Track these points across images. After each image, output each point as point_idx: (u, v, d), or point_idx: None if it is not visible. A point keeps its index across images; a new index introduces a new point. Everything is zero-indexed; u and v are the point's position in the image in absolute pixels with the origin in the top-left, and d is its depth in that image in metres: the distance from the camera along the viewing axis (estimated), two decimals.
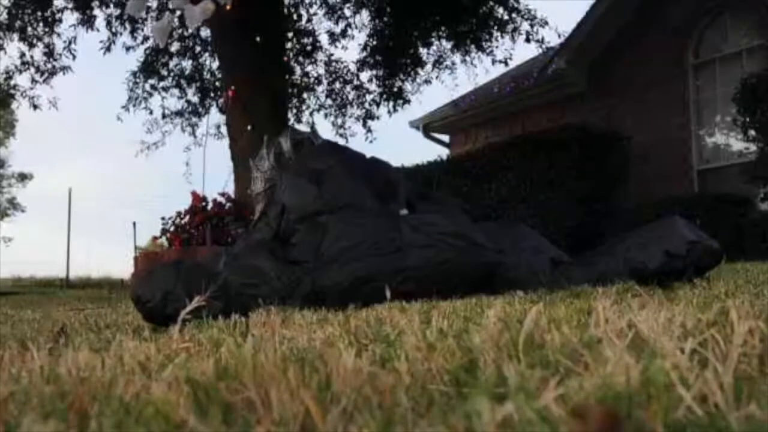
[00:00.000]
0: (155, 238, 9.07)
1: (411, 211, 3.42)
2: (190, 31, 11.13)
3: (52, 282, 20.05)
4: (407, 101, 12.38)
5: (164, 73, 12.20)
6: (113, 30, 11.02)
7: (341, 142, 11.03)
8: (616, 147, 8.21)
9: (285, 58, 10.18)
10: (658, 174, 8.37)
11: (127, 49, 11.50)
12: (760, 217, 7.01)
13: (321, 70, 12.63)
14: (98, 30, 10.96)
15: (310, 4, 12.13)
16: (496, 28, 11.32)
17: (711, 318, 1.00)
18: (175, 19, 7.90)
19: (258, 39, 8.29)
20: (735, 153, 8.16)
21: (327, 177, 3.32)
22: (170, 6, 7.25)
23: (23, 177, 30.93)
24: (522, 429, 0.53)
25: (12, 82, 11.23)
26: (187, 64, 12.28)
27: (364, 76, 12.48)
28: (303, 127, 11.71)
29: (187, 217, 7.68)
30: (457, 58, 12.12)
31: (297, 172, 3.47)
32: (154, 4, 10.47)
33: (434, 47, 12.13)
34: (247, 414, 0.67)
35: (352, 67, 12.50)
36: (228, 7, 6.90)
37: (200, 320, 1.91)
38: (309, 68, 12.59)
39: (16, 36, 10.77)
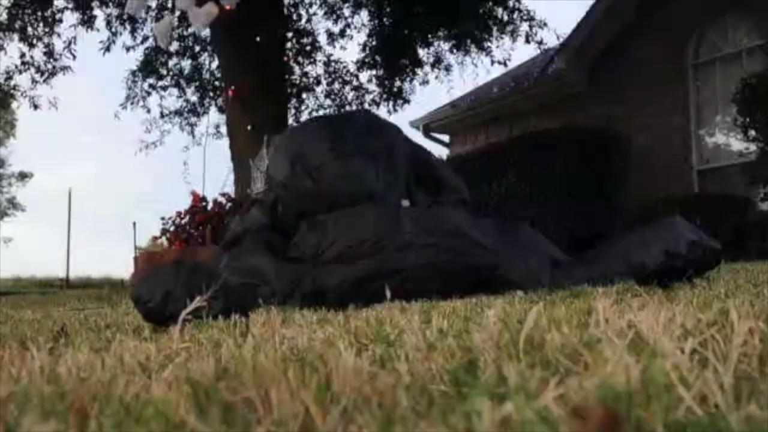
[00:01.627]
0: (155, 238, 9.07)
1: (412, 199, 3.35)
2: (190, 30, 11.13)
3: (52, 282, 20.04)
4: (407, 101, 12.39)
5: (163, 72, 12.21)
6: (113, 30, 11.03)
7: None
8: (616, 147, 8.20)
9: (285, 58, 10.19)
10: (658, 174, 8.37)
11: (127, 49, 11.51)
12: (760, 217, 7.01)
13: (320, 70, 12.64)
14: (98, 30, 10.97)
15: (310, 4, 12.15)
16: (495, 28, 11.33)
17: (711, 318, 1.00)
18: (175, 19, 7.90)
19: (258, 39, 8.29)
20: (735, 153, 8.16)
21: (324, 174, 3.26)
22: (176, 5, 7.26)
23: (23, 176, 30.94)
24: (522, 429, 0.52)
25: (12, 82, 11.24)
26: (186, 63, 12.28)
27: (364, 76, 12.49)
28: None
29: (187, 217, 7.68)
30: (456, 58, 12.14)
31: (291, 163, 3.40)
32: (154, 4, 10.48)
33: (434, 47, 12.15)
34: (247, 414, 0.67)
35: (352, 68, 12.51)
36: (228, 8, 6.91)
37: (200, 320, 1.91)
38: (308, 68, 12.60)
39: (16, 36, 10.78)
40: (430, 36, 11.73)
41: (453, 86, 12.87)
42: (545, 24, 11.26)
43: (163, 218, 7.85)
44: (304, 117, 12.61)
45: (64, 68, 11.22)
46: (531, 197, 7.82)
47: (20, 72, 11.10)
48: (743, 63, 8.36)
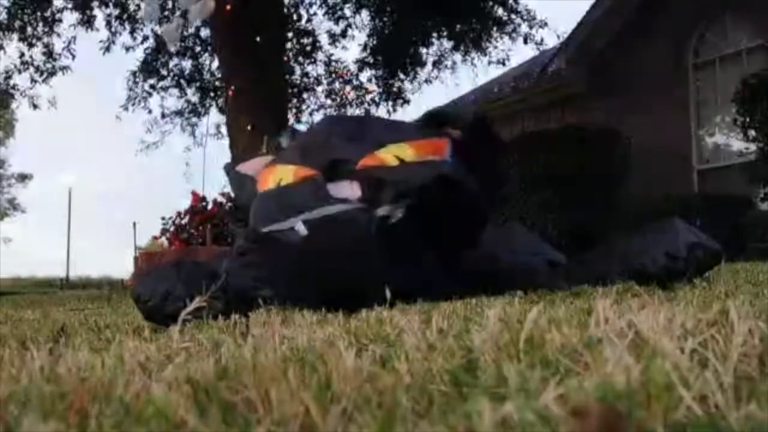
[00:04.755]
0: (155, 238, 9.07)
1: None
2: (190, 30, 11.13)
3: (52, 282, 20.06)
4: (407, 101, 12.40)
5: (164, 72, 12.22)
6: (113, 30, 11.04)
7: None
8: (616, 147, 8.21)
9: (285, 58, 10.19)
10: (658, 174, 8.37)
11: (127, 49, 11.52)
12: (760, 217, 7.01)
13: (321, 70, 12.65)
14: (98, 30, 10.98)
15: (310, 4, 12.15)
16: (495, 28, 11.34)
17: (711, 318, 1.00)
18: (182, 21, 7.91)
19: (258, 39, 8.29)
20: (735, 153, 8.16)
21: None
22: (178, 6, 7.26)
23: (23, 177, 30.98)
24: (522, 429, 0.53)
25: (12, 82, 11.25)
26: (187, 63, 12.30)
27: (364, 76, 12.50)
28: (303, 127, 11.71)
29: (187, 217, 7.68)
30: (457, 58, 12.15)
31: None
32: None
33: (434, 47, 12.16)
34: (247, 414, 0.67)
35: (352, 67, 12.51)
36: (228, 7, 6.90)
37: (200, 320, 1.91)
38: (309, 68, 12.60)
39: (15, 36, 10.78)
40: (432, 35, 11.74)
41: (455, 86, 12.89)
42: (545, 24, 11.29)
43: (163, 218, 7.86)
44: (305, 117, 12.63)
45: (64, 68, 11.24)
46: (531, 197, 7.83)
47: (20, 72, 11.12)
48: (743, 63, 8.36)
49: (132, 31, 11.33)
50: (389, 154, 2.48)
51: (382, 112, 12.43)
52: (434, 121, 2.84)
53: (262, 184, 2.67)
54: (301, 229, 2.39)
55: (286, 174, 2.56)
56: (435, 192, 2.44)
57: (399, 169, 2.46)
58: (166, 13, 9.93)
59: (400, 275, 2.31)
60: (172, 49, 9.46)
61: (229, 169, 3.12)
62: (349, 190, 2.40)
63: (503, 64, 11.71)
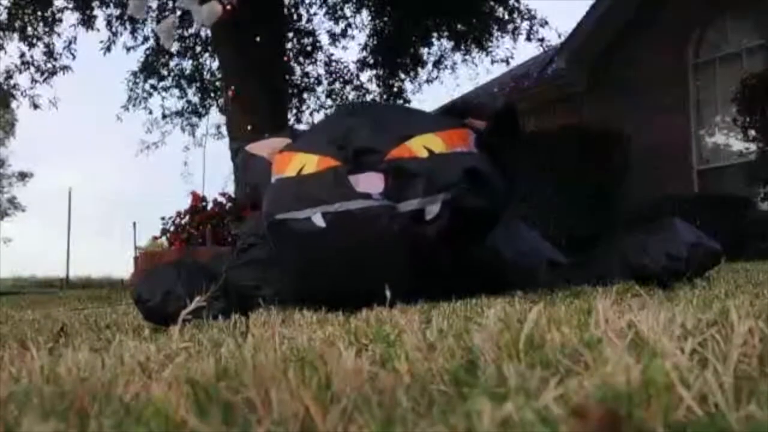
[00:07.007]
0: (155, 238, 9.07)
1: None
2: (190, 30, 11.14)
3: (52, 282, 20.06)
4: (407, 101, 12.40)
5: (164, 73, 12.22)
6: (113, 30, 11.04)
7: None
8: (616, 147, 8.20)
9: (285, 58, 10.19)
10: (658, 174, 8.36)
11: (128, 49, 11.53)
12: (760, 217, 7.01)
13: (321, 70, 12.65)
14: (98, 30, 10.98)
15: (310, 4, 12.15)
16: (496, 27, 11.35)
17: (711, 318, 1.00)
18: (177, 19, 7.91)
19: (258, 39, 8.29)
20: (735, 153, 8.16)
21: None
22: (177, 5, 7.25)
23: (23, 176, 30.92)
24: (522, 429, 0.53)
25: (12, 82, 11.26)
26: (187, 64, 12.30)
27: (364, 76, 12.50)
28: (303, 127, 11.71)
29: (187, 217, 7.68)
30: (457, 57, 12.16)
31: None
32: (155, 4, 10.48)
33: (435, 47, 12.17)
34: (247, 414, 0.67)
35: (352, 67, 12.52)
36: (228, 7, 6.91)
37: (200, 320, 1.91)
38: (309, 68, 12.61)
39: (16, 36, 10.79)
40: (432, 35, 11.74)
41: (455, 85, 12.94)
42: (546, 23, 11.30)
43: (163, 218, 7.86)
44: (305, 117, 12.65)
45: (64, 68, 11.24)
46: (531, 197, 7.82)
47: (20, 71, 11.12)
48: (743, 63, 8.36)
49: (132, 31, 11.34)
50: (419, 145, 2.40)
51: None
52: (456, 112, 2.79)
53: (279, 169, 2.57)
54: (318, 220, 2.31)
55: (308, 162, 2.44)
56: (466, 185, 2.36)
57: (430, 161, 2.37)
58: (166, 12, 9.93)
59: (417, 279, 2.26)
60: (167, 47, 9.45)
61: (237, 148, 3.02)
62: (372, 183, 2.31)
63: (507, 63, 11.73)
